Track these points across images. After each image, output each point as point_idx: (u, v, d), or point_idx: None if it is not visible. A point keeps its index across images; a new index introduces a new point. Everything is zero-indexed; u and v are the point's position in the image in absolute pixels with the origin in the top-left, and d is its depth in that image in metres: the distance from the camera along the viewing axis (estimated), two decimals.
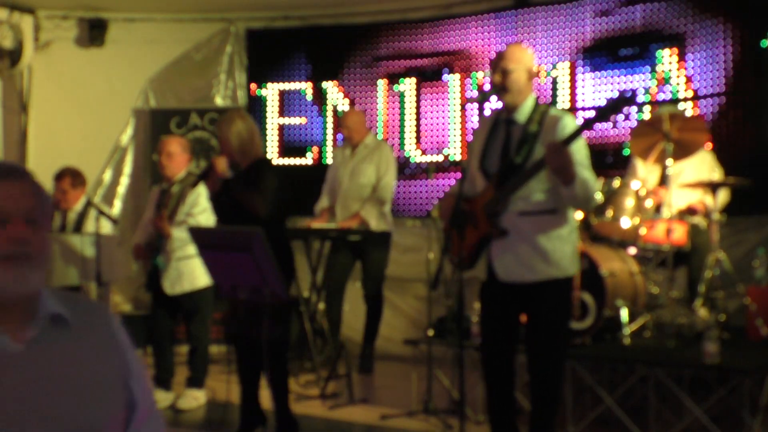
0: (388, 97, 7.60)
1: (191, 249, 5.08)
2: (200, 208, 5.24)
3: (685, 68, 6.39)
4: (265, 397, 4.55)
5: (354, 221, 6.29)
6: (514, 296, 3.72)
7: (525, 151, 3.67)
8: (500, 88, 3.76)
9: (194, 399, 5.38)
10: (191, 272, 5.24)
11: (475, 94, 7.25)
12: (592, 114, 4.00)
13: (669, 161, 4.99)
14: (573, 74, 6.87)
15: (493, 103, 7.08)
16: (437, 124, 7.46)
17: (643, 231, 5.04)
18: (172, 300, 5.33)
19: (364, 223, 6.28)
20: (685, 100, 6.33)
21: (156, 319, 5.46)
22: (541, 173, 3.61)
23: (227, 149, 4.51)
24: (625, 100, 4.25)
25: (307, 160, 7.79)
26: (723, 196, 5.37)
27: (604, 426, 4.52)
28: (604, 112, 3.78)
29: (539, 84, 6.85)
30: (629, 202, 5.07)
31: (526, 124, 3.73)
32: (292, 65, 7.90)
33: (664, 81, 6.45)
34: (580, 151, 3.63)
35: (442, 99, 7.44)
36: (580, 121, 3.62)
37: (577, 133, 3.50)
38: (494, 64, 3.79)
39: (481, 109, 7.20)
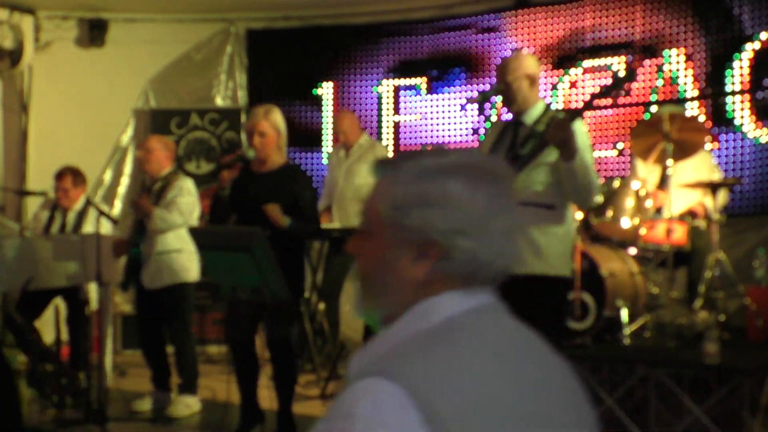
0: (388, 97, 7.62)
1: (172, 243, 5.05)
2: (183, 200, 5.17)
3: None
4: (264, 398, 4.55)
5: None
6: (504, 290, 3.71)
7: (530, 145, 3.70)
8: (506, 101, 3.85)
9: (186, 407, 5.19)
10: (170, 267, 5.16)
11: (475, 94, 7.26)
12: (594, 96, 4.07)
13: (669, 161, 4.99)
14: None
15: (494, 104, 7.11)
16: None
17: (643, 231, 5.04)
18: (152, 296, 5.24)
19: None
20: (686, 100, 6.34)
21: (140, 319, 5.39)
22: (543, 166, 3.63)
23: (272, 145, 4.41)
24: (625, 77, 4.33)
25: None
26: (722, 196, 5.37)
27: (604, 426, 4.50)
28: (606, 91, 3.82)
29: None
30: (629, 203, 5.07)
31: (533, 124, 3.78)
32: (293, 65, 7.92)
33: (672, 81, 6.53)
34: (585, 151, 3.65)
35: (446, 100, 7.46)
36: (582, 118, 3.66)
37: (581, 111, 3.56)
38: (498, 77, 3.88)
39: (481, 110, 7.21)
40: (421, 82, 7.51)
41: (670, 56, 6.52)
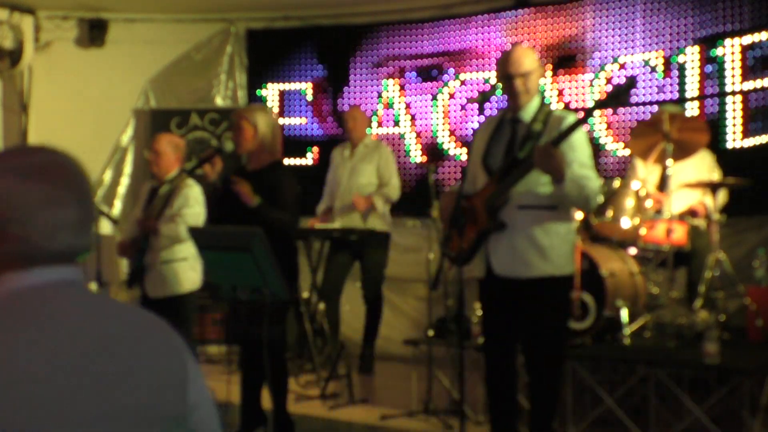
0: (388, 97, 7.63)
1: (177, 252, 4.99)
2: (190, 210, 5.10)
3: None
4: (265, 398, 4.55)
5: (363, 201, 6.23)
6: (511, 293, 3.72)
7: (528, 148, 3.68)
8: (517, 93, 3.74)
9: None
10: (174, 276, 5.06)
11: (475, 94, 7.26)
12: (587, 110, 4.03)
13: (669, 161, 4.99)
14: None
15: (494, 104, 7.11)
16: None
17: (643, 231, 5.04)
18: (154, 303, 5.19)
19: (372, 204, 6.26)
20: (686, 100, 6.34)
21: None
22: None
23: (247, 141, 4.45)
24: (625, 87, 4.34)
25: (307, 160, 7.84)
26: (722, 196, 5.37)
27: (604, 426, 4.52)
28: (606, 102, 3.80)
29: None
30: (629, 203, 5.07)
31: (530, 122, 3.74)
32: (293, 65, 7.92)
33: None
34: (582, 150, 3.65)
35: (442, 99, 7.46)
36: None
37: (566, 133, 3.53)
38: (507, 72, 3.76)
39: (481, 109, 7.20)
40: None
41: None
